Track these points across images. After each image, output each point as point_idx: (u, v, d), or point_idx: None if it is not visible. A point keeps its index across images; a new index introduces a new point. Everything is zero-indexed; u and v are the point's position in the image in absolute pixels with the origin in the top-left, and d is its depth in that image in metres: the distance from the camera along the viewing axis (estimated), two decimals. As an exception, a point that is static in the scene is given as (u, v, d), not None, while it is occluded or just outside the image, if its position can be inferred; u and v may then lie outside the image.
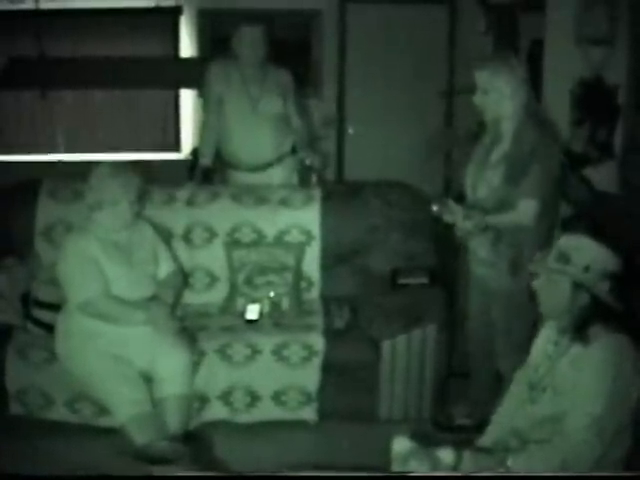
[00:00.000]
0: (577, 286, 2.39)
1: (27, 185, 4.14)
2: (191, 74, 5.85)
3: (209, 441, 3.46)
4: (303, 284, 4.06)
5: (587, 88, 4.51)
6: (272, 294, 3.91)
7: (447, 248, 3.97)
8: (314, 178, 4.40)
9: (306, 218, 4.08)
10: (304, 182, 4.51)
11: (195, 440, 3.38)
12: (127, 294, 3.42)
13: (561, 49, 4.67)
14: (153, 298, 3.49)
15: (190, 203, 4.10)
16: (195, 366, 3.50)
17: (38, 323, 3.67)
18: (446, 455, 2.37)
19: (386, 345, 3.62)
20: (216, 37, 6.29)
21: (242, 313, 3.84)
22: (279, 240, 4.05)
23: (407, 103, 6.88)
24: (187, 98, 6.73)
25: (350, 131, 6.95)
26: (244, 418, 3.63)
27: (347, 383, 3.66)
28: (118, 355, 3.35)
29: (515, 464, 2.31)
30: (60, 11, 6.24)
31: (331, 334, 3.69)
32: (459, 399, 3.73)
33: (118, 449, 3.25)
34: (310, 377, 3.62)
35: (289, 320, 3.84)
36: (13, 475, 2.88)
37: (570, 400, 2.32)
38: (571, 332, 2.42)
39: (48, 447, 3.42)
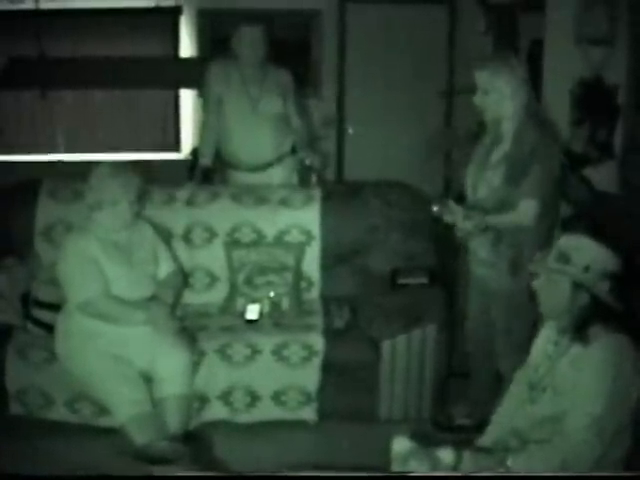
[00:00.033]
0: (577, 286, 2.39)
1: (27, 185, 4.14)
2: (191, 74, 5.85)
3: (209, 441, 3.46)
4: (303, 284, 4.06)
5: (587, 88, 4.51)
6: (272, 294, 3.91)
7: (447, 248, 3.97)
8: (314, 178, 4.40)
9: (306, 218, 4.08)
10: (304, 182, 4.51)
11: (195, 440, 3.38)
12: (127, 294, 3.42)
13: (561, 49, 4.67)
14: (153, 298, 3.49)
15: (190, 203, 4.10)
16: (195, 366, 3.50)
17: (38, 323, 3.67)
18: (446, 455, 2.37)
19: (386, 345, 3.62)
20: (216, 37, 6.29)
21: (242, 313, 3.85)
22: (279, 240, 4.05)
23: (407, 103, 6.88)
24: (187, 98, 6.73)
25: (350, 131, 6.95)
26: (244, 418, 3.63)
27: (347, 383, 3.66)
28: (118, 355, 3.35)
29: (515, 464, 2.31)
30: (60, 11, 6.24)
31: (331, 334, 3.69)
32: (459, 399, 3.73)
33: (118, 449, 3.25)
34: (310, 377, 3.62)
35: (289, 320, 3.84)
36: (13, 475, 2.88)
37: (570, 400, 2.32)
38: (571, 332, 2.42)
39: (48, 447, 3.42)
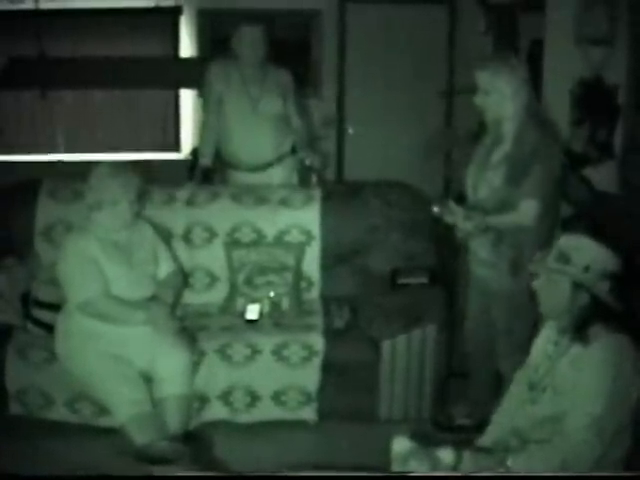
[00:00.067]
0: (577, 286, 2.39)
1: (27, 185, 4.14)
2: (191, 74, 5.85)
3: (209, 441, 3.46)
4: (303, 284, 4.06)
5: (587, 88, 4.51)
6: (272, 294, 3.91)
7: (447, 248, 3.97)
8: (314, 178, 4.40)
9: (306, 218, 4.08)
10: (304, 182, 4.51)
11: (195, 440, 3.38)
12: (127, 294, 3.42)
13: (561, 49, 4.67)
14: (153, 298, 3.49)
15: (190, 203, 4.10)
16: (195, 366, 3.50)
17: (38, 323, 3.67)
18: (446, 455, 2.37)
19: (386, 345, 3.62)
20: (216, 37, 6.29)
21: (242, 313, 3.84)
22: (279, 240, 4.05)
23: (407, 103, 6.88)
24: (187, 98, 6.73)
25: (350, 131, 6.95)
26: (244, 418, 3.63)
27: (347, 383, 3.66)
28: (118, 355, 3.35)
29: (515, 464, 2.31)
30: (60, 11, 6.24)
31: (331, 334, 3.69)
32: (459, 399, 3.73)
33: (118, 449, 3.25)
34: (310, 377, 3.62)
35: (289, 320, 3.84)
36: (13, 475, 2.89)
37: (570, 400, 2.32)
38: (571, 332, 2.42)
39: (48, 447, 3.42)
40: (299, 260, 4.02)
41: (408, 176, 4.86)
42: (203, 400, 3.57)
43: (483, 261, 3.38)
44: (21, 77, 6.11)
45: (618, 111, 4.43)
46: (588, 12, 4.45)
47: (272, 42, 4.41)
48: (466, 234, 3.33)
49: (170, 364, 3.38)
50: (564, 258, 2.40)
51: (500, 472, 2.30)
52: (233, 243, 4.04)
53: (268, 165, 4.52)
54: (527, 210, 3.19)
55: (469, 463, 2.36)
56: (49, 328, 3.56)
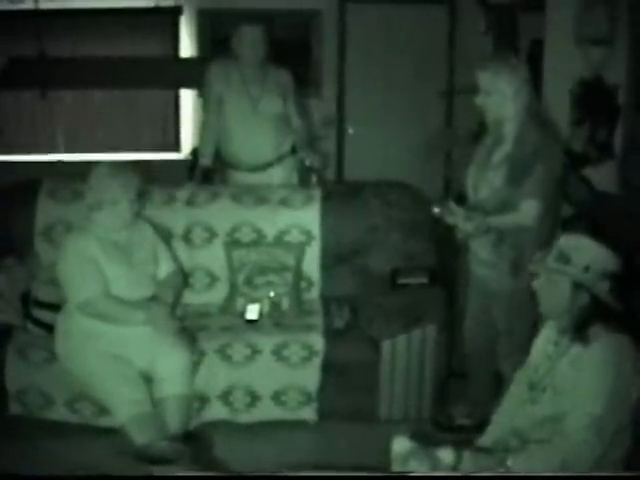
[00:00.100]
0: (577, 286, 2.39)
1: (27, 185, 4.14)
2: (191, 74, 5.85)
3: (209, 441, 3.46)
4: (303, 284, 4.06)
5: (587, 88, 4.51)
6: (272, 294, 3.91)
7: (447, 248, 3.97)
8: (314, 178, 4.40)
9: (306, 218, 4.08)
10: (304, 182, 4.51)
11: (195, 440, 3.38)
12: (127, 294, 3.42)
13: (561, 49, 4.67)
14: (153, 298, 3.49)
15: (190, 203, 4.10)
16: (195, 366, 3.50)
17: (38, 323, 3.67)
18: (446, 455, 2.37)
19: (386, 345, 3.62)
20: (216, 37, 6.29)
21: (242, 313, 3.84)
22: (279, 240, 4.05)
23: (407, 103, 6.88)
24: (187, 98, 6.73)
25: (350, 131, 6.95)
26: (244, 418, 3.63)
27: (347, 383, 3.66)
28: (118, 355, 3.35)
29: (515, 464, 2.31)
30: (60, 11, 6.24)
31: (331, 334, 3.69)
32: (459, 399, 3.73)
33: (118, 449, 3.25)
34: (310, 377, 3.62)
35: (289, 320, 3.84)
36: (13, 475, 2.89)
37: (570, 400, 2.32)
38: (571, 332, 2.42)
39: (48, 447, 3.42)
40: (299, 260, 4.02)
41: (408, 176, 4.86)
42: (203, 400, 3.57)
43: (484, 261, 3.38)
44: (21, 77, 6.10)
45: (618, 111, 4.43)
46: (588, 12, 4.45)
47: (272, 42, 4.41)
48: (467, 235, 3.32)
49: (170, 364, 3.38)
50: (564, 258, 2.40)
51: (500, 472, 2.30)
52: (233, 243, 4.04)
53: (268, 165, 4.52)
54: (528, 210, 3.19)
55: (469, 463, 2.36)
56: (49, 328, 3.56)
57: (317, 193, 4.18)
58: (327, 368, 3.62)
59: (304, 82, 5.74)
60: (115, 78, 6.25)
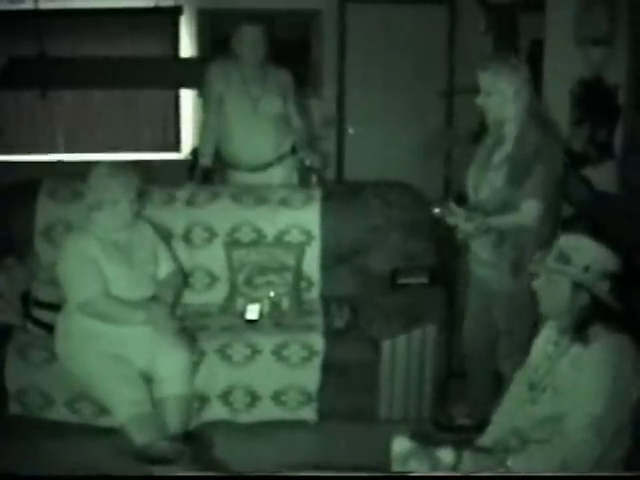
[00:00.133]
0: (577, 286, 2.39)
1: (27, 185, 4.14)
2: (191, 74, 5.85)
3: (209, 441, 3.46)
4: (303, 284, 4.06)
5: (587, 88, 4.51)
6: (272, 294, 3.91)
7: (447, 248, 3.97)
8: (314, 178, 4.40)
9: (306, 218, 4.08)
10: (304, 182, 4.51)
11: (195, 440, 3.38)
12: (127, 294, 3.42)
13: (561, 49, 4.67)
14: (153, 298, 3.49)
15: (190, 203, 4.10)
16: (195, 366, 3.50)
17: (38, 323, 3.67)
18: (446, 455, 2.37)
19: (386, 345, 3.62)
20: (216, 37, 6.29)
21: (242, 313, 3.84)
22: (279, 240, 4.05)
23: (407, 103, 6.88)
24: (187, 98, 6.73)
25: (350, 131, 6.95)
26: (244, 418, 3.63)
27: (347, 383, 3.66)
28: (118, 355, 3.35)
29: (515, 464, 2.31)
30: (60, 11, 6.24)
31: (331, 334, 3.69)
32: (459, 399, 3.73)
33: (118, 449, 3.25)
34: (310, 377, 3.62)
35: (289, 320, 3.84)
36: (13, 475, 2.89)
37: (570, 400, 2.32)
38: (571, 332, 2.42)
39: (48, 447, 3.42)
40: (299, 260, 4.02)
41: (408, 176, 4.86)
42: (203, 400, 3.57)
43: (484, 261, 3.38)
44: (21, 77, 6.11)
45: (618, 111, 4.43)
46: (588, 12, 4.45)
47: (272, 42, 4.41)
48: (467, 235, 3.32)
49: (170, 364, 3.38)
50: (564, 258, 2.40)
51: (500, 472, 2.30)
52: (233, 243, 4.04)
53: (268, 165, 4.51)
54: (529, 210, 3.19)
55: (469, 463, 2.36)
56: (49, 328, 3.56)
57: (317, 193, 4.18)
58: (327, 368, 3.62)
59: (304, 82, 5.74)
60: (115, 78, 6.25)
